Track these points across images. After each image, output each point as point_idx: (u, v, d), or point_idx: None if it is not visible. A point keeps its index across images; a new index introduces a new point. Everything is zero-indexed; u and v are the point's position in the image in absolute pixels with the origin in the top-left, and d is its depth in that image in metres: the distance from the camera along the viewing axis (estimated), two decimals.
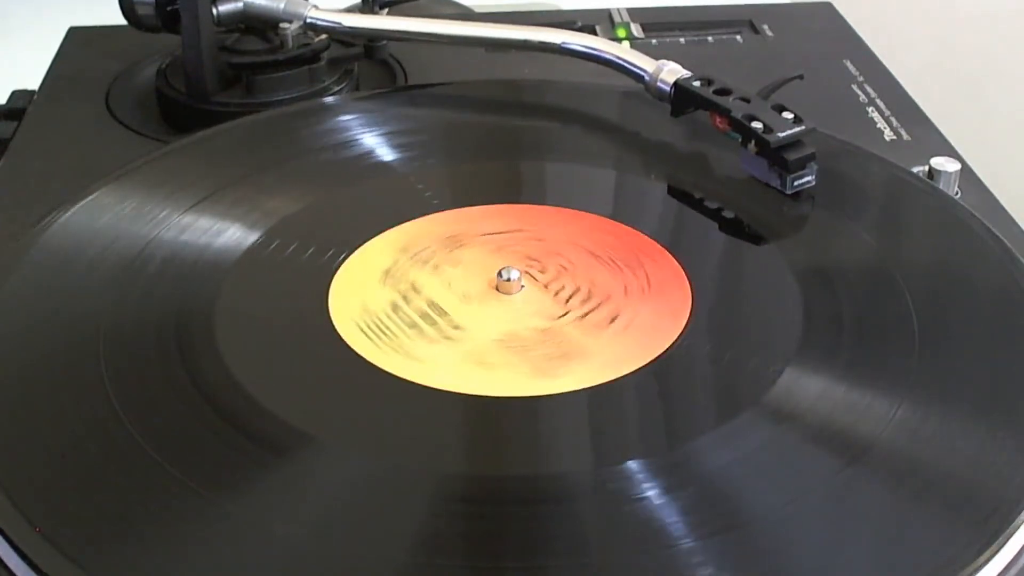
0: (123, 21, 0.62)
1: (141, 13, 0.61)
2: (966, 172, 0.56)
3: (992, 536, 0.36)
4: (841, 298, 0.46)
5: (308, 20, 0.62)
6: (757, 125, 0.51)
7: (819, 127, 0.52)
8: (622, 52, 0.58)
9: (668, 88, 0.56)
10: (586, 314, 0.45)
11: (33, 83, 0.66)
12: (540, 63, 0.64)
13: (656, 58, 0.57)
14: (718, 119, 0.53)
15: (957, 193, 0.54)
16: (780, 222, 0.51)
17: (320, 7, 0.62)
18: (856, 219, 0.50)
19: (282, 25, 0.62)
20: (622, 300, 0.46)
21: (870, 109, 0.64)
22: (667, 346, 0.43)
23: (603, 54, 0.59)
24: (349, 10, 0.66)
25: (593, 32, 0.69)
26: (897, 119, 0.63)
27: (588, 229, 0.50)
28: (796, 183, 0.51)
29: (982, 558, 0.35)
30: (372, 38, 0.65)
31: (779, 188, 0.51)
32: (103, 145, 0.60)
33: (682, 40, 0.72)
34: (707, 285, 0.47)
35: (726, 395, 0.43)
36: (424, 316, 0.45)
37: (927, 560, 0.35)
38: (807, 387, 0.41)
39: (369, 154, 0.55)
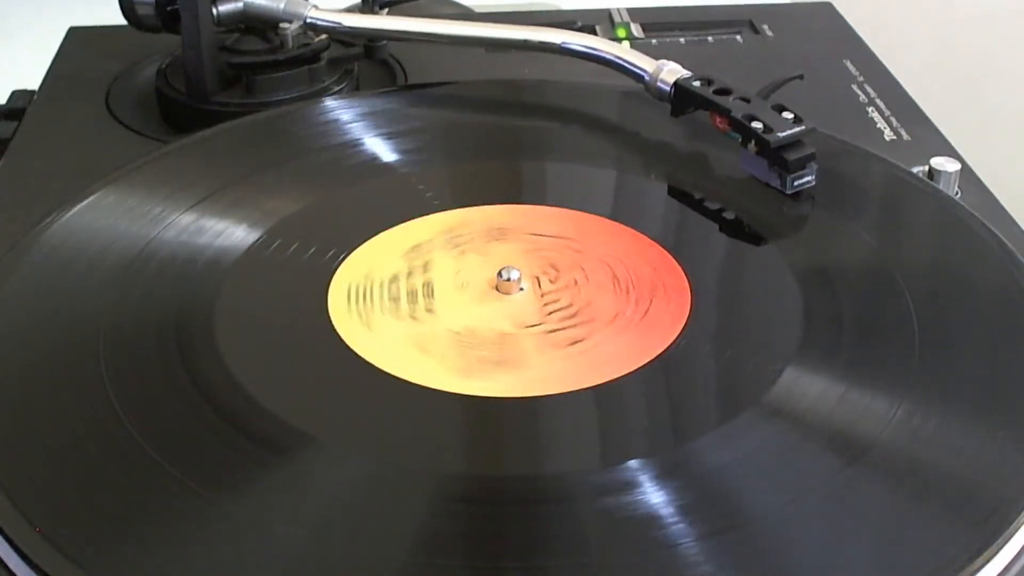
0: (123, 21, 0.62)
1: (141, 13, 0.61)
2: (966, 172, 0.56)
3: (992, 536, 0.36)
4: (841, 298, 0.46)
5: (308, 20, 0.62)
6: (757, 125, 0.51)
7: (819, 127, 0.52)
8: (622, 52, 0.58)
9: (668, 88, 0.56)
10: (554, 331, 0.45)
11: (33, 83, 0.66)
12: (540, 63, 0.64)
13: (656, 58, 0.57)
14: (718, 119, 0.53)
15: (957, 193, 0.54)
16: (780, 222, 0.51)
17: (320, 7, 0.62)
18: (856, 219, 0.50)
19: (282, 25, 0.62)
20: (601, 328, 0.45)
21: (870, 109, 0.64)
22: (666, 346, 0.44)
23: (603, 54, 0.59)
24: (349, 10, 0.66)
25: (593, 32, 0.69)
26: (897, 119, 0.63)
27: (630, 252, 0.49)
28: (796, 183, 0.51)
29: (982, 558, 0.35)
30: (372, 38, 0.65)
31: (779, 188, 0.51)
32: (103, 145, 0.60)
33: (682, 40, 0.72)
34: (707, 285, 0.47)
35: (726, 395, 0.43)
36: (411, 294, 0.46)
37: (927, 560, 0.35)
38: (807, 387, 0.41)
39: (369, 154, 0.55)
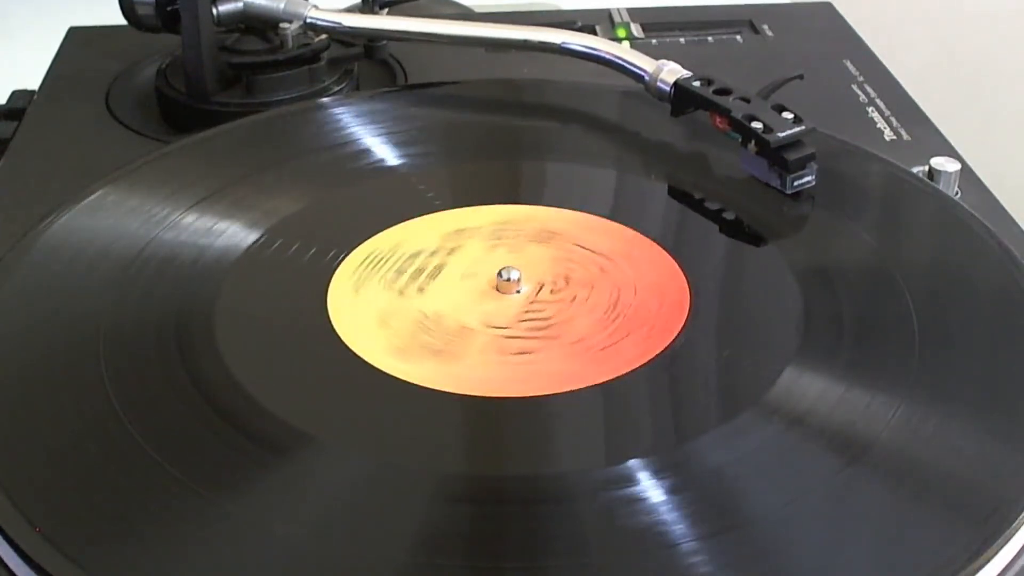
0: (123, 21, 0.62)
1: (141, 13, 0.61)
2: (966, 172, 0.56)
3: (992, 536, 0.36)
4: (841, 298, 0.46)
5: (308, 20, 0.62)
6: (757, 125, 0.51)
7: (819, 127, 0.52)
8: (622, 52, 0.58)
9: (668, 88, 0.56)
10: (512, 337, 0.44)
11: (33, 83, 0.66)
12: (540, 63, 0.64)
13: (656, 58, 0.57)
14: (718, 119, 0.53)
15: (957, 193, 0.54)
16: (780, 222, 0.51)
17: (320, 7, 0.62)
18: (856, 219, 0.50)
19: (282, 25, 0.62)
20: (558, 347, 0.44)
21: (870, 109, 0.64)
22: (666, 345, 0.43)
23: (603, 54, 0.59)
24: (349, 10, 0.66)
25: (593, 32, 0.69)
26: (897, 119, 0.63)
27: (651, 283, 0.47)
28: (796, 183, 0.51)
29: (982, 558, 0.35)
30: (372, 38, 0.65)
31: (779, 188, 0.51)
32: (103, 145, 0.60)
33: (682, 40, 0.72)
34: (707, 285, 0.47)
35: (726, 395, 0.43)
36: (418, 271, 0.47)
37: (927, 560, 0.35)
38: (807, 387, 0.41)
39: (369, 154, 0.55)
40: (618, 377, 0.42)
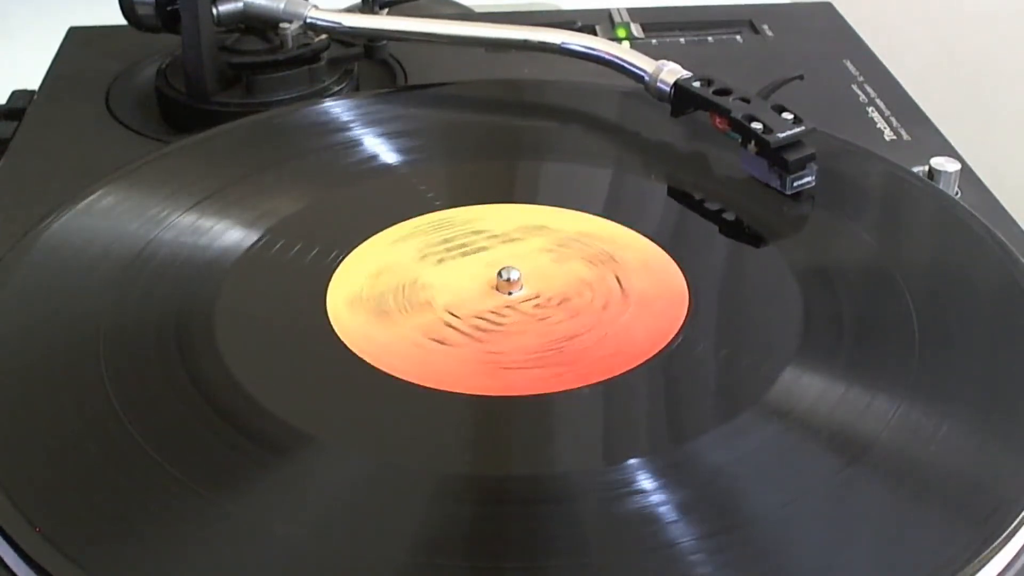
0: (123, 21, 0.62)
1: (141, 13, 0.61)
2: (966, 172, 0.56)
3: (992, 536, 0.36)
4: (841, 298, 0.46)
5: (308, 20, 0.62)
6: (757, 125, 0.51)
7: (819, 127, 0.52)
8: (622, 52, 0.58)
9: (668, 88, 0.56)
10: (450, 326, 0.44)
11: (33, 83, 0.66)
12: (540, 63, 0.64)
13: (656, 58, 0.57)
14: (718, 119, 0.53)
15: (957, 193, 0.54)
16: (780, 222, 0.51)
17: (320, 7, 0.62)
18: (856, 219, 0.50)
19: (282, 25, 0.62)
20: (474, 354, 0.43)
21: (870, 109, 0.64)
22: (665, 345, 0.43)
23: (603, 54, 0.59)
24: (349, 10, 0.66)
25: (593, 32, 0.70)
26: (897, 119, 0.63)
27: (660, 312, 0.45)
28: (796, 183, 0.51)
29: (982, 558, 0.35)
30: (372, 38, 0.65)
31: (779, 188, 0.51)
32: (103, 145, 0.60)
33: (682, 40, 0.72)
34: (707, 285, 0.47)
35: (726, 395, 0.43)
36: (460, 246, 0.48)
37: (927, 560, 0.35)
38: (807, 387, 0.41)
39: (369, 154, 0.55)
40: (618, 377, 0.42)
